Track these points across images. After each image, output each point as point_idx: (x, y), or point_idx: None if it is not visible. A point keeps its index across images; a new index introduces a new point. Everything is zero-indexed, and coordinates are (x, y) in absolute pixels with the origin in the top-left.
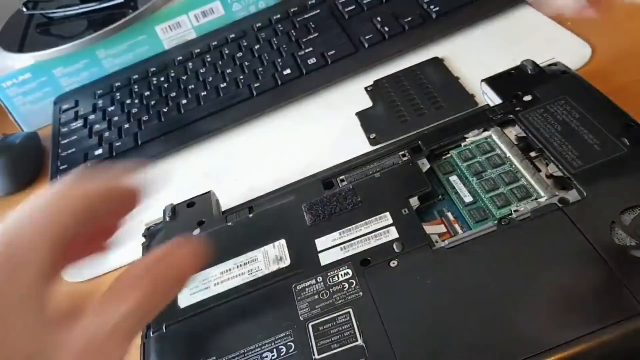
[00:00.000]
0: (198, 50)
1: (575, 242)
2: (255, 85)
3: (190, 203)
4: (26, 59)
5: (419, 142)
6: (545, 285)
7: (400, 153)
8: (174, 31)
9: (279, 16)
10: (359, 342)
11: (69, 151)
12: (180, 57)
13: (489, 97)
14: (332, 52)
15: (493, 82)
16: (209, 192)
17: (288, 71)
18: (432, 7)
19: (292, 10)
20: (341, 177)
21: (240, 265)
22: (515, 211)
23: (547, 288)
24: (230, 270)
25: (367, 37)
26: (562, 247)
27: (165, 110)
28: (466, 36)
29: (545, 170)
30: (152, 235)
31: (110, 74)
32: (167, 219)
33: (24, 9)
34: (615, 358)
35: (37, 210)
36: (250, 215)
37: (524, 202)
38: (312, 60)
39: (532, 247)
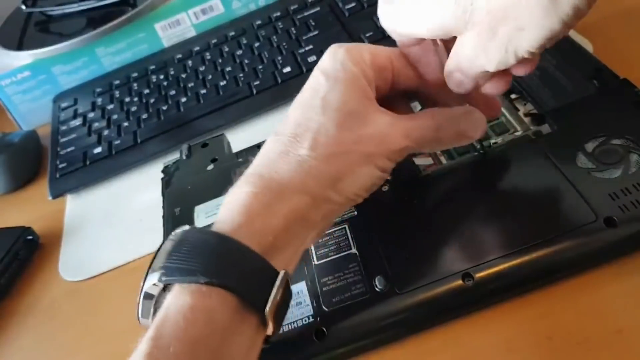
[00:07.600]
0: (197, 48)
1: (544, 167)
2: (255, 83)
3: (204, 144)
4: (25, 57)
5: None
6: (517, 200)
7: None
8: (174, 29)
9: (278, 14)
10: (353, 250)
11: (68, 149)
12: (180, 55)
13: None
14: None
15: None
16: (221, 134)
17: (288, 69)
18: None
19: (292, 8)
20: None
21: None
22: (494, 143)
23: (519, 203)
24: None
25: (367, 34)
26: (533, 171)
27: (164, 108)
28: None
29: (523, 110)
30: (168, 173)
31: (110, 72)
32: (184, 157)
33: (23, 7)
34: (577, 258)
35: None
36: None
37: (502, 136)
38: (312, 58)
39: (507, 171)
